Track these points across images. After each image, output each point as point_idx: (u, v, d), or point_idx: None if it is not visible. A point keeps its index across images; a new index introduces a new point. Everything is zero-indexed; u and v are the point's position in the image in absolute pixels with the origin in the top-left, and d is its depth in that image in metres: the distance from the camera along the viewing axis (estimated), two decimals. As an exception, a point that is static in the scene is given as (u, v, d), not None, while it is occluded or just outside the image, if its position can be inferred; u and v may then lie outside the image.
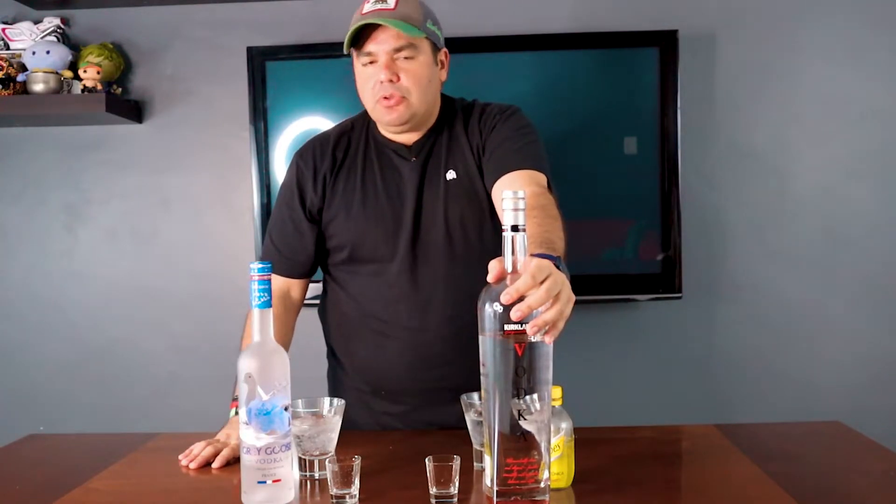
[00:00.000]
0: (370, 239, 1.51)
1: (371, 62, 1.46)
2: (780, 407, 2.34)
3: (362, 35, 1.44)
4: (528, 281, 0.96)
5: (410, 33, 1.42)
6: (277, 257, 1.56)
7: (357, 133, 1.57)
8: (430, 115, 1.53)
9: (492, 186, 1.46)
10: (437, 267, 1.50)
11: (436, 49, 1.50)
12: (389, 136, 1.54)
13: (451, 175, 1.51)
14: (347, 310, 1.57)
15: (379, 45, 1.43)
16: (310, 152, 1.57)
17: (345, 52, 1.48)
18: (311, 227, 1.55)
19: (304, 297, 1.61)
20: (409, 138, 1.53)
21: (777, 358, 2.37)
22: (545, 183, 1.43)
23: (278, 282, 1.54)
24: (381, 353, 1.53)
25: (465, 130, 1.53)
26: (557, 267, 1.09)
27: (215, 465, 1.30)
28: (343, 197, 1.52)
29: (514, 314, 0.96)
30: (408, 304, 1.50)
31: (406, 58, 1.44)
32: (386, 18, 1.41)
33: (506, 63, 2.29)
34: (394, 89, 1.44)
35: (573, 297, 1.02)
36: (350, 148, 1.56)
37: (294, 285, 1.59)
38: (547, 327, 0.97)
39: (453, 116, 1.55)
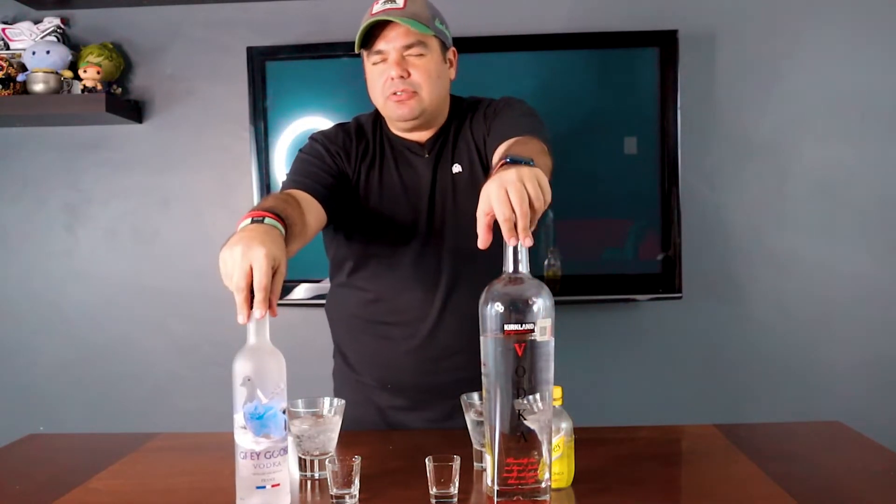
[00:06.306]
0: (387, 231, 1.52)
1: (382, 60, 1.47)
2: (780, 407, 2.34)
3: (372, 35, 1.46)
4: (492, 207, 1.04)
5: (420, 30, 1.45)
6: (296, 183, 1.45)
7: (370, 132, 1.58)
8: (441, 113, 1.55)
9: (492, 156, 1.45)
10: (448, 260, 1.51)
11: (444, 48, 1.52)
12: (402, 134, 1.56)
13: (456, 168, 1.54)
14: (358, 304, 1.57)
15: (389, 43, 1.46)
16: (339, 135, 1.56)
17: (355, 51, 1.49)
18: (332, 181, 1.48)
19: (317, 222, 1.43)
20: (421, 136, 1.55)
21: (777, 358, 2.37)
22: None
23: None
24: (389, 345, 1.54)
25: (470, 125, 1.56)
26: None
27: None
28: (362, 192, 1.53)
29: (509, 241, 1.02)
30: (419, 296, 1.51)
31: (416, 55, 1.47)
32: (395, 16, 1.43)
33: (505, 63, 2.29)
34: (405, 85, 1.46)
35: (540, 185, 1.05)
36: (367, 146, 1.57)
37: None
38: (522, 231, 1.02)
39: (462, 114, 1.58)
